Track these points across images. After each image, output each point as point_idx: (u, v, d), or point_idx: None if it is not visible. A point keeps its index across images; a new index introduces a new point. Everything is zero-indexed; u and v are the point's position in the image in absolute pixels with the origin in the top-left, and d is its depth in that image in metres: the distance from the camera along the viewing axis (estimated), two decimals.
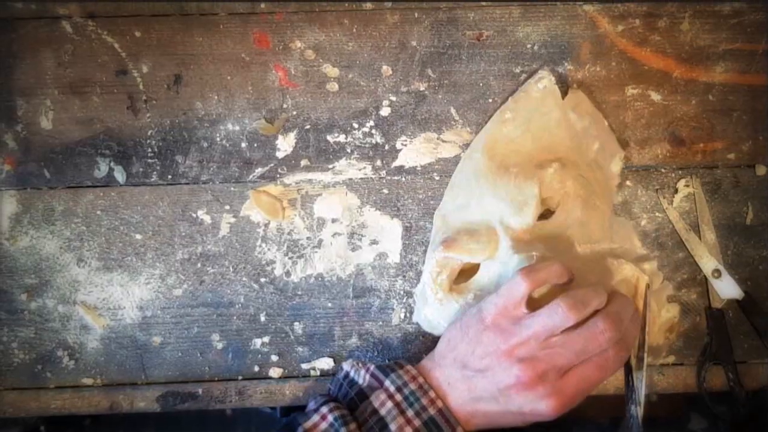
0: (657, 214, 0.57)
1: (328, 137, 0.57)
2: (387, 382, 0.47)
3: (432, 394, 0.47)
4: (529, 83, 0.56)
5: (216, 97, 0.57)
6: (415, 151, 0.57)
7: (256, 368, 0.56)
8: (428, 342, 0.56)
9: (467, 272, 0.54)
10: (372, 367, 0.49)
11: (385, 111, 0.57)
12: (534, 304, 0.46)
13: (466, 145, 0.57)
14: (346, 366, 0.50)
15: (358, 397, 0.47)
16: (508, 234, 0.51)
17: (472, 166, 0.55)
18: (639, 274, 0.51)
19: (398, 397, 0.46)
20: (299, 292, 0.56)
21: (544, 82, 0.55)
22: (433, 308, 0.54)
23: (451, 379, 0.47)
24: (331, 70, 0.57)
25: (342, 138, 0.57)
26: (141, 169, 0.57)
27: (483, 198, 0.53)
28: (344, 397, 0.49)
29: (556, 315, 0.44)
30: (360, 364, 0.50)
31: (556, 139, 0.55)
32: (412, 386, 0.47)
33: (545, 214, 0.54)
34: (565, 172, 0.53)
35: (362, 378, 0.49)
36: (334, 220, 0.57)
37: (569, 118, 0.55)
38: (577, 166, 0.54)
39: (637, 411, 0.50)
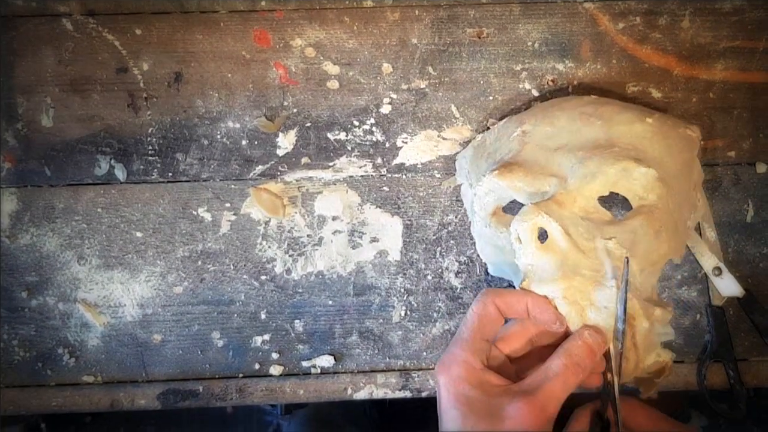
0: None
1: (329, 135, 0.57)
2: None
3: None
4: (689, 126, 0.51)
5: (216, 95, 0.57)
6: (415, 149, 0.57)
7: (257, 366, 0.56)
8: (428, 340, 0.56)
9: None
10: None
11: (385, 109, 0.57)
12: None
13: (467, 143, 0.56)
14: None
15: None
16: (559, 189, 0.46)
17: (585, 107, 0.50)
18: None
19: None
20: (300, 290, 0.56)
21: (696, 142, 0.51)
22: (474, 225, 0.54)
23: None
24: (332, 68, 0.57)
25: (342, 136, 0.57)
26: (141, 167, 0.56)
27: (572, 138, 0.48)
28: None
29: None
30: None
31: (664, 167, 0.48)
32: None
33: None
34: (657, 184, 0.46)
35: None
36: (334, 218, 0.57)
37: (695, 167, 0.51)
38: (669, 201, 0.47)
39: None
